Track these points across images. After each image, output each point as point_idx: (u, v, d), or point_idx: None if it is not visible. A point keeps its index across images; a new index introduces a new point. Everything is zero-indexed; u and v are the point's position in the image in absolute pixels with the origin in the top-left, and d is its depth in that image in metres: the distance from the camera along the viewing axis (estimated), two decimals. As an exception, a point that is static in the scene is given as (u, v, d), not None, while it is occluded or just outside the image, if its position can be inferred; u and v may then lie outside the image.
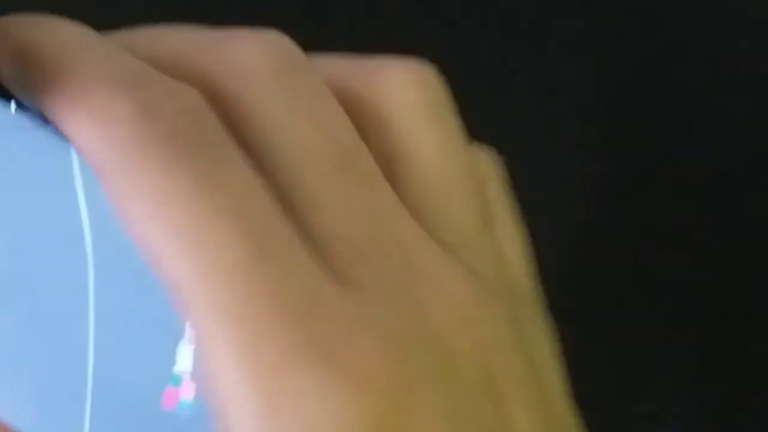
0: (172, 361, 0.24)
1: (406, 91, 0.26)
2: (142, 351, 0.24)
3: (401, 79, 0.26)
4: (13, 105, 0.24)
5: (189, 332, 0.24)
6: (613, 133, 0.48)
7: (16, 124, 0.24)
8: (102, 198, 0.24)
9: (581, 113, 0.47)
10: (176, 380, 0.24)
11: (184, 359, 0.24)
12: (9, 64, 0.24)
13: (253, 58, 0.25)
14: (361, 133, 0.25)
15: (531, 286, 0.27)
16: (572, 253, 0.44)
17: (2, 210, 0.23)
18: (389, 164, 0.26)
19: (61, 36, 0.24)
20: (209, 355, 0.22)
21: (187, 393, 0.24)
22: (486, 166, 0.28)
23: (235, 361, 0.21)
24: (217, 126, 0.23)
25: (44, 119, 0.25)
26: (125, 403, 0.24)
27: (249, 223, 0.22)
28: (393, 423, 0.21)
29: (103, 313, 0.24)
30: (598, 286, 0.47)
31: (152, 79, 0.23)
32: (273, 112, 0.24)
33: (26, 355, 0.23)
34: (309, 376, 0.21)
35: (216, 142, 0.23)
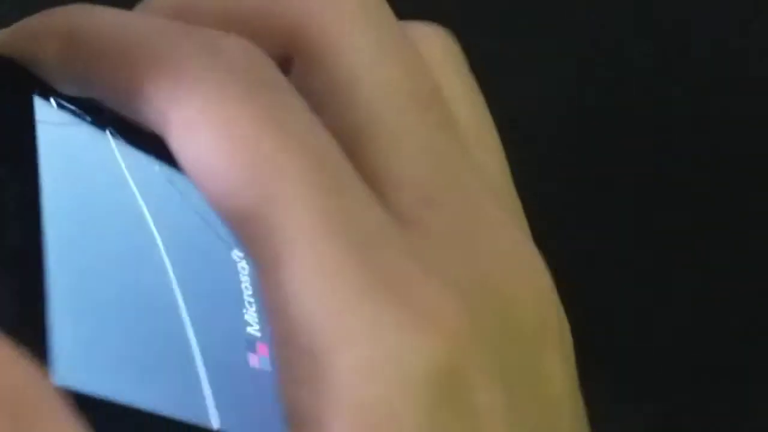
0: (244, 325, 0.25)
1: (432, 48, 0.27)
2: (223, 319, 0.25)
3: (426, 38, 0.27)
4: (53, 101, 0.25)
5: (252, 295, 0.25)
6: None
7: (60, 119, 0.25)
8: (148, 178, 0.25)
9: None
10: (252, 340, 0.25)
11: (253, 322, 0.25)
12: (56, 54, 0.24)
13: None
14: None
15: None
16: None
17: (65, 203, 0.24)
18: None
19: (107, 20, 0.24)
20: (279, 286, 0.22)
21: (262, 351, 0.25)
22: None
23: (307, 292, 0.21)
24: (277, 69, 0.24)
25: (79, 111, 0.26)
26: (228, 368, 0.24)
27: (318, 159, 0.22)
28: (459, 364, 0.22)
29: (184, 287, 0.25)
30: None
31: (207, 31, 0.24)
32: (359, 43, 0.25)
33: (132, 338, 0.23)
34: (381, 311, 0.21)
35: (278, 82, 0.23)
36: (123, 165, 0.26)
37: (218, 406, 0.24)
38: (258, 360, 0.25)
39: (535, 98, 0.47)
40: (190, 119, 0.23)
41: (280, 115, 0.23)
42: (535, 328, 0.24)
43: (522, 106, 0.44)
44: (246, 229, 0.22)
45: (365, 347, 0.21)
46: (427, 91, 0.25)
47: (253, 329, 0.25)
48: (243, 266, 0.26)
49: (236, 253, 0.26)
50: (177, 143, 0.23)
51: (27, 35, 0.25)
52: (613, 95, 0.48)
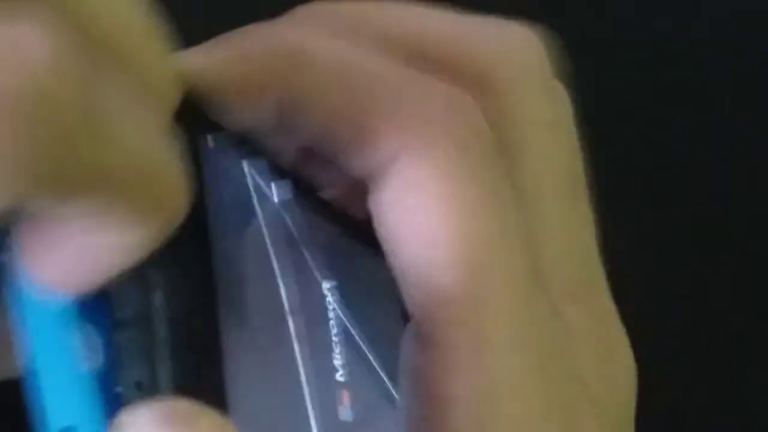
0: (333, 371, 0.24)
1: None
2: (324, 367, 0.24)
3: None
4: (210, 138, 0.23)
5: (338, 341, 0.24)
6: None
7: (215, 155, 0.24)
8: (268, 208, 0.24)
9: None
10: (339, 388, 0.24)
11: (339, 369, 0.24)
12: (260, 82, 0.23)
13: (529, 51, 0.25)
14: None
15: None
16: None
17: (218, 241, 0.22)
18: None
19: (330, 49, 0.23)
20: (467, 373, 0.22)
21: (346, 400, 0.24)
22: None
23: (495, 396, 0.22)
24: (493, 137, 0.23)
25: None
26: (330, 424, 0.24)
27: (523, 254, 0.23)
28: None
29: (298, 331, 0.24)
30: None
31: (449, 87, 0.23)
32: (535, 116, 0.24)
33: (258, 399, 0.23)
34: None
35: (496, 154, 0.23)
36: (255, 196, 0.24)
37: None
38: (345, 412, 0.24)
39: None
40: (425, 174, 0.22)
41: (502, 199, 0.22)
42: (631, 418, 0.26)
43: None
44: (440, 304, 0.22)
45: None
46: (579, 177, 0.25)
47: (339, 375, 0.24)
48: (330, 301, 0.24)
49: (326, 287, 0.25)
50: (393, 191, 0.22)
51: (223, 59, 0.23)
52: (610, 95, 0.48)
